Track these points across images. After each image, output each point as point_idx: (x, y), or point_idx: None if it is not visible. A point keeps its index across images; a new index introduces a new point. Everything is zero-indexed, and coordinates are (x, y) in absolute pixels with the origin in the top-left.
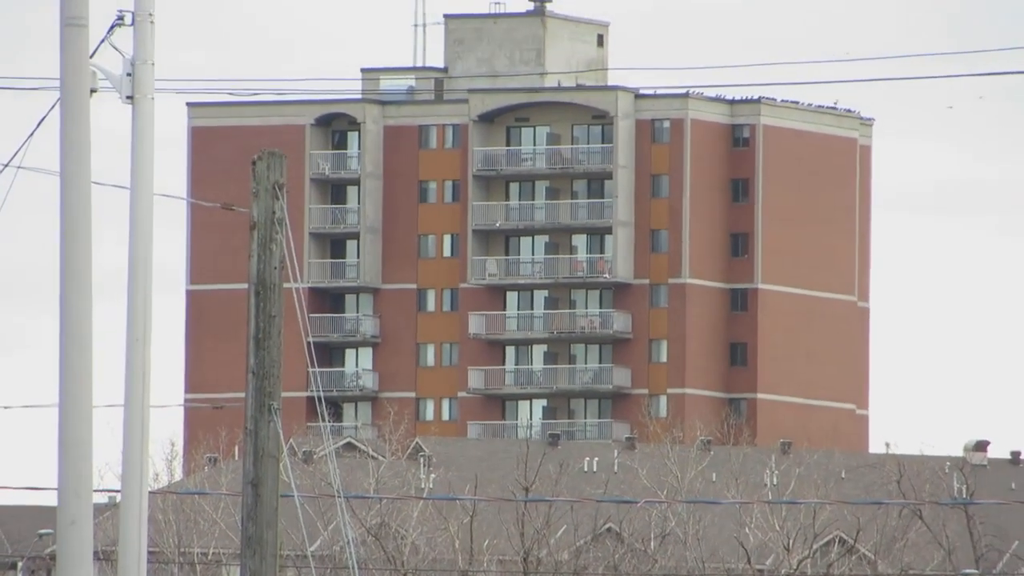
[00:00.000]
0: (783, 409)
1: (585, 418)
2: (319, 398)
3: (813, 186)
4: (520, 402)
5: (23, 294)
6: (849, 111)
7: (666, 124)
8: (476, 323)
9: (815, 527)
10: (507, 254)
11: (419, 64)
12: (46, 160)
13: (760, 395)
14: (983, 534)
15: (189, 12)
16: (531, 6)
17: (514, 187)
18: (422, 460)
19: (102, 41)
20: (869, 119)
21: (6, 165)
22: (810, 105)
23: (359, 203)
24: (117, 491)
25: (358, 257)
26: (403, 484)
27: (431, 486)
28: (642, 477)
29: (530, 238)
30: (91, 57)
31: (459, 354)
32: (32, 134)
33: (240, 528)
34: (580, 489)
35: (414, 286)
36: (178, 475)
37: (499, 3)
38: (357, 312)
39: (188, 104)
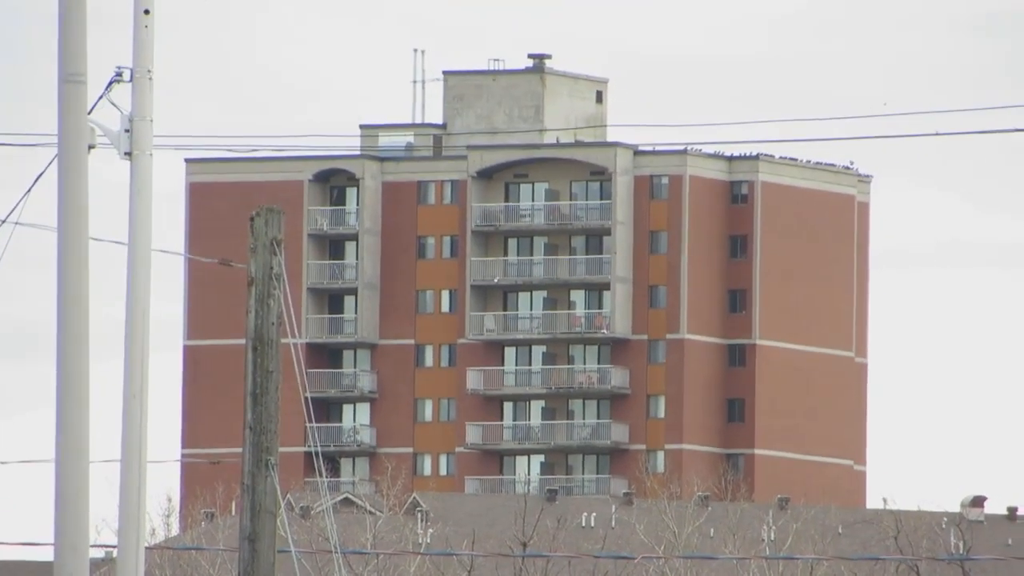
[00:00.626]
0: (781, 465)
1: (583, 474)
2: (317, 453)
3: (811, 242)
4: (518, 457)
5: (20, 350)
6: (847, 168)
7: (664, 180)
8: (474, 379)
9: None
10: (505, 310)
11: (418, 120)
12: (44, 216)
13: (758, 451)
14: None
15: (188, 68)
16: (530, 63)
17: (512, 243)
18: (419, 515)
19: (100, 97)
20: (867, 176)
21: (4, 221)
22: (808, 162)
23: (357, 259)
24: (114, 546)
25: (356, 313)
26: (400, 539)
27: (428, 541)
28: (640, 532)
29: (528, 294)
30: (89, 113)
31: (457, 409)
32: (30, 190)
33: None
34: (578, 544)
35: (412, 342)
36: (175, 530)
37: (498, 60)
38: (355, 367)
39: (186, 160)
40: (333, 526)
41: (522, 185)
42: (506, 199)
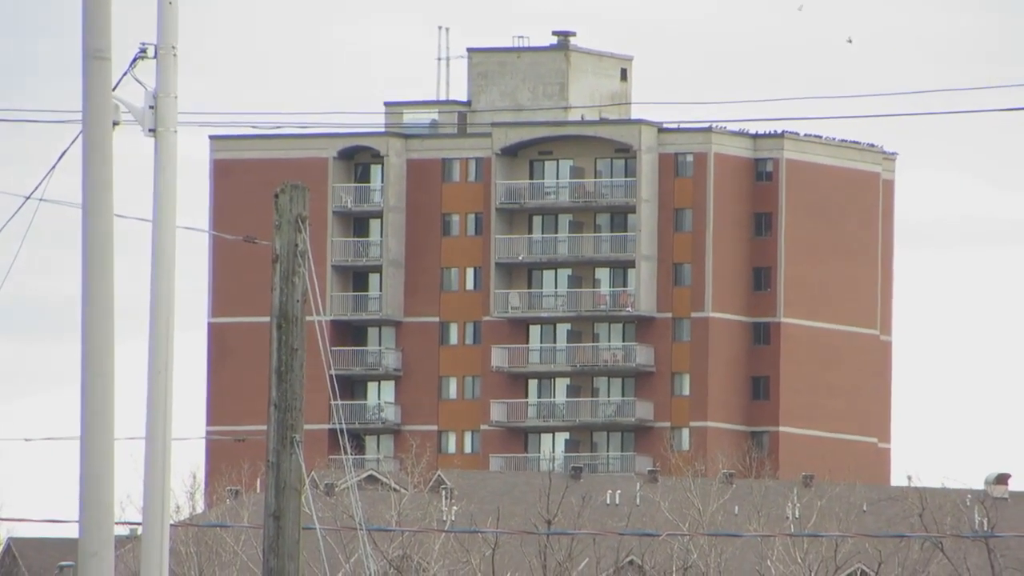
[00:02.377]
0: (805, 442)
1: (608, 451)
2: (341, 431)
3: (836, 220)
4: (543, 435)
5: (45, 326)
6: (872, 145)
7: (689, 158)
8: (499, 356)
9: (837, 560)
10: (530, 287)
11: (442, 98)
12: (68, 193)
13: (782, 428)
14: (1004, 567)
15: (212, 45)
16: (555, 40)
17: (537, 220)
18: (444, 493)
19: (124, 74)
20: (892, 153)
21: (28, 197)
22: (833, 139)
23: (382, 236)
24: (139, 523)
25: (380, 290)
26: (425, 516)
27: (453, 519)
28: (664, 510)
29: (553, 271)
30: (114, 90)
31: (481, 387)
32: (54, 167)
33: (262, 561)
34: (602, 522)
35: (436, 319)
36: (200, 507)
37: (523, 37)
38: (379, 345)
39: (211, 137)
40: (358, 503)
41: (547, 162)
42: (531, 176)
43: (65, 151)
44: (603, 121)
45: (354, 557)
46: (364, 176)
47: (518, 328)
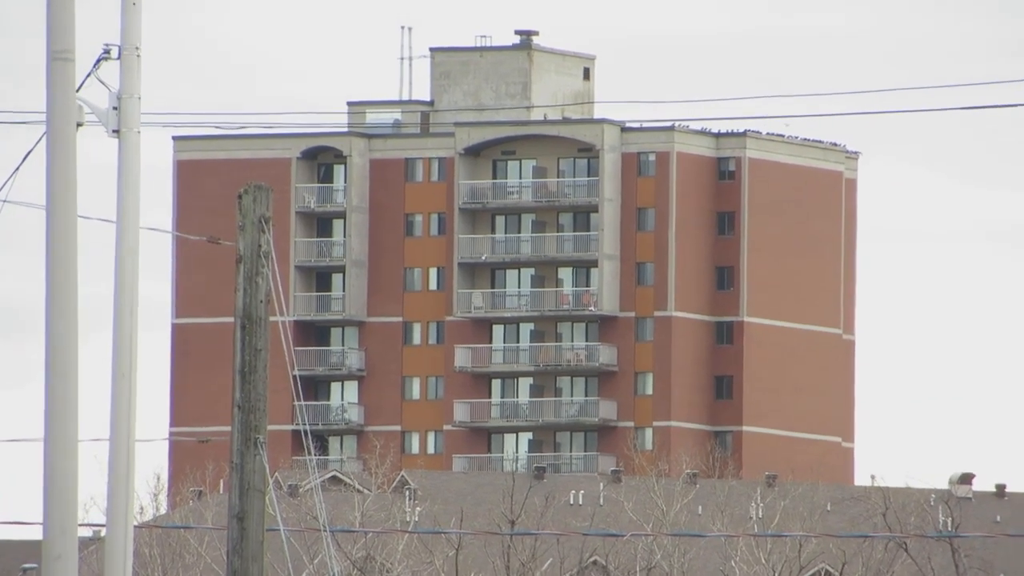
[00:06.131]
0: (768, 442)
1: (571, 451)
2: (305, 431)
3: (799, 219)
4: (506, 435)
5: (8, 328)
6: (835, 144)
7: (652, 157)
8: (462, 356)
9: (801, 560)
10: (493, 287)
11: (405, 97)
12: (32, 194)
13: (745, 428)
14: (968, 567)
15: (175, 46)
16: (517, 39)
17: (500, 220)
18: (408, 493)
19: (88, 75)
20: (855, 152)
21: None
22: (795, 138)
23: (345, 236)
24: (102, 525)
25: (344, 290)
26: (389, 517)
27: (416, 519)
28: (628, 510)
29: (516, 271)
30: (77, 91)
31: (444, 387)
32: (18, 168)
33: (226, 562)
34: (566, 522)
35: (400, 319)
36: (163, 509)
37: (485, 36)
38: (343, 345)
39: (174, 137)
40: (321, 504)
41: (509, 162)
42: (493, 176)
43: (29, 152)
44: (566, 120)
45: (318, 558)
46: (327, 176)
47: (481, 328)
